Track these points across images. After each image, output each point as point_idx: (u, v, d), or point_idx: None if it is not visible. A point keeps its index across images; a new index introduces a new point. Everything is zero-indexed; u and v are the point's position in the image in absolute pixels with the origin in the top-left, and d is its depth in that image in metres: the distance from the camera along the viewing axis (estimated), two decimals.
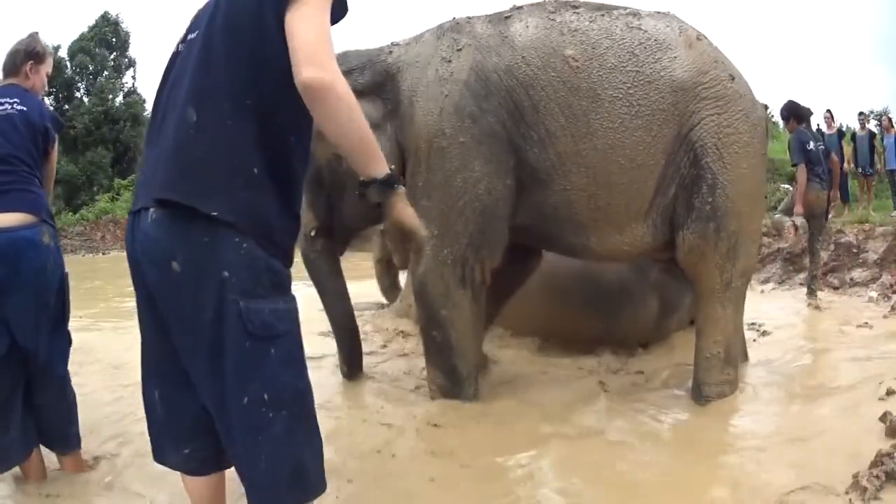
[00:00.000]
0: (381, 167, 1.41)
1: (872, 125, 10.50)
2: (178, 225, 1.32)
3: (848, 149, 9.18)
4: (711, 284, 2.90)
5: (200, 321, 1.32)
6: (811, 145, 5.59)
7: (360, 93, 2.64)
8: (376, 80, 2.97)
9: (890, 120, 9.58)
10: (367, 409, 2.99)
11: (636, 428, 2.72)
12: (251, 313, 1.31)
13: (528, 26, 2.80)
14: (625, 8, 2.95)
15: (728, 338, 2.95)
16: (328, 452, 1.55)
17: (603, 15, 2.85)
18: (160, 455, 1.55)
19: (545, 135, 2.72)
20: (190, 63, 1.40)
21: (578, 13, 2.85)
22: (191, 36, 1.46)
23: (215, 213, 1.30)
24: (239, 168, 1.34)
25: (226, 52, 1.37)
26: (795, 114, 5.81)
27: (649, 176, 2.75)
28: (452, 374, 2.96)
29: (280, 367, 1.36)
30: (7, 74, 2.41)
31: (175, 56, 1.50)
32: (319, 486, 1.44)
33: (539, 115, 2.71)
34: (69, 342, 2.35)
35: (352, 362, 3.36)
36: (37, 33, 2.48)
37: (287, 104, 1.36)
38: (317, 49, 1.29)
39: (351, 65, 2.95)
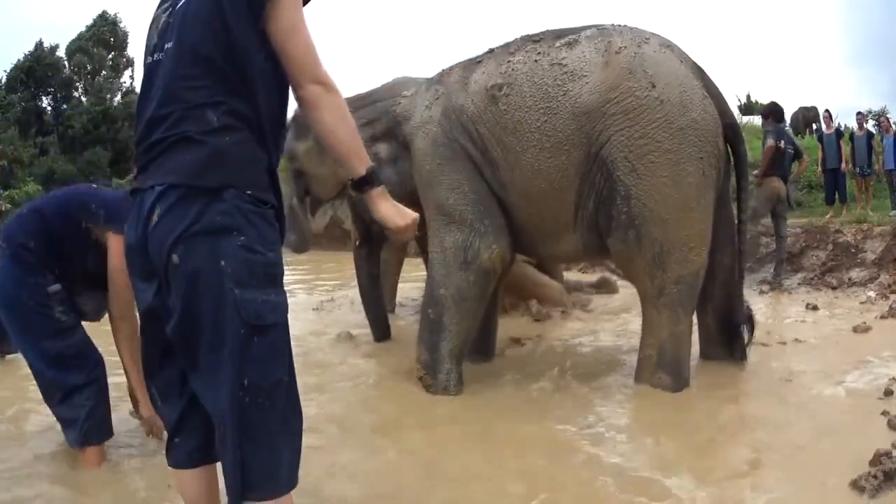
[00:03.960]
0: (364, 164, 1.47)
1: (871, 125, 10.49)
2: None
3: (846, 149, 9.16)
4: (644, 289, 3.13)
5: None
6: (781, 143, 6.47)
7: (377, 138, 3.60)
8: (388, 126, 3.63)
9: (888, 120, 9.60)
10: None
11: (623, 422, 2.73)
12: (245, 303, 1.32)
13: (483, 73, 3.26)
14: (570, 36, 3.17)
15: (661, 342, 3.06)
16: None
17: (539, 53, 3.15)
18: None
19: (492, 160, 3.20)
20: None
21: (525, 53, 3.18)
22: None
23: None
24: None
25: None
26: (773, 112, 7.11)
27: (567, 194, 3.10)
28: (435, 352, 3.24)
29: (265, 357, 1.35)
30: None
31: None
32: (290, 483, 1.42)
33: (485, 144, 3.19)
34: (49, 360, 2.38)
35: (380, 331, 4.47)
36: None
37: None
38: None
39: (373, 115, 3.68)
